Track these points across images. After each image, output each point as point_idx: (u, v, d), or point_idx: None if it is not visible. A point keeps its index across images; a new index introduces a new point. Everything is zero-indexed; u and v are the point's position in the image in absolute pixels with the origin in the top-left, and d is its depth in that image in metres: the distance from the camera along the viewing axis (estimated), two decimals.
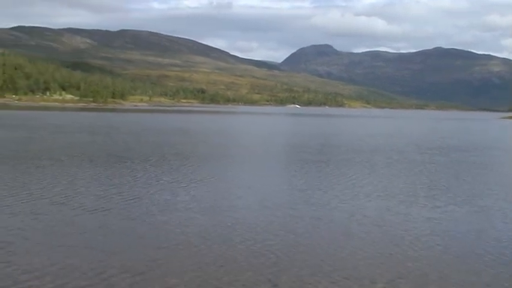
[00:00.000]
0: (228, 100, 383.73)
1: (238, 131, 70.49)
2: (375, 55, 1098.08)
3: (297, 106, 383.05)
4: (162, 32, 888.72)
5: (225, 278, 10.94)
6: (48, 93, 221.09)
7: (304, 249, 13.19)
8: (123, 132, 55.63)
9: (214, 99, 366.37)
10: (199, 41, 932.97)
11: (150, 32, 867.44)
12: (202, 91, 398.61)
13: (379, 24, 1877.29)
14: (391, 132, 74.16)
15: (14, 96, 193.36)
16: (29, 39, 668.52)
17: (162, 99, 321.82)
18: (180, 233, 14.18)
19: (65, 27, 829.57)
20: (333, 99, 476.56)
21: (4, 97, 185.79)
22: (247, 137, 56.22)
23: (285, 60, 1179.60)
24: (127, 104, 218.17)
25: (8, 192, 18.86)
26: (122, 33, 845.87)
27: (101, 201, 17.88)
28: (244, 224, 15.34)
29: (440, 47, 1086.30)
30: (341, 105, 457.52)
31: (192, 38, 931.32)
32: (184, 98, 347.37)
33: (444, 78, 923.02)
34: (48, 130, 55.53)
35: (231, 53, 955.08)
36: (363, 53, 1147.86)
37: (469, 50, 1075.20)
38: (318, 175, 26.41)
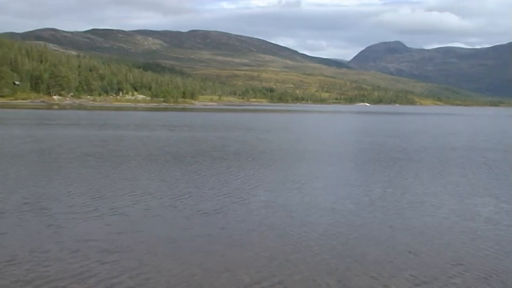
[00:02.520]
0: (296, 99, 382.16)
1: (316, 129, 69.27)
2: (447, 51, 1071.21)
3: (367, 104, 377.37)
4: (231, 32, 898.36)
5: (355, 279, 10.47)
6: (121, 94, 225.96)
7: (430, 249, 12.65)
8: (203, 130, 55.57)
9: (282, 98, 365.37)
10: (268, 40, 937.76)
11: (220, 32, 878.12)
12: (271, 90, 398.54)
13: (451, 20, 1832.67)
14: (473, 131, 70.78)
15: (88, 97, 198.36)
16: (103, 42, 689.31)
17: (232, 98, 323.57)
18: (301, 236, 13.47)
19: (137, 29, 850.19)
20: (404, 97, 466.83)
21: (80, 98, 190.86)
22: (329, 135, 54.83)
23: (354, 58, 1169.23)
24: (197, 104, 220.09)
25: (115, 193, 18.32)
26: (192, 34, 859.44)
27: (210, 202, 17.24)
28: (358, 224, 14.86)
29: None
30: (412, 103, 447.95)
31: (261, 37, 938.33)
32: (254, 97, 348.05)
33: None
34: (131, 128, 56.48)
35: (300, 52, 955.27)
36: (434, 49, 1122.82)
37: None
38: (416, 174, 25.17)
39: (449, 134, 60.54)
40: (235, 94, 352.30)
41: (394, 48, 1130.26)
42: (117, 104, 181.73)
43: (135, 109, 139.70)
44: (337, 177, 24.02)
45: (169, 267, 10.75)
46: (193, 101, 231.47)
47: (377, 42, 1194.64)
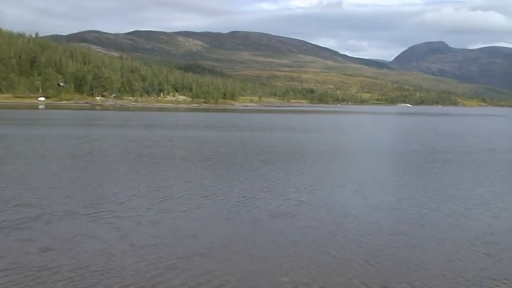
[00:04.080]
0: (336, 100, 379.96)
1: (363, 130, 68.76)
2: (492, 51, 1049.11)
3: (408, 105, 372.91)
4: (272, 33, 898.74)
5: (429, 277, 10.33)
6: (162, 95, 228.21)
7: (501, 249, 12.49)
8: (248, 131, 56.05)
9: (323, 99, 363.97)
10: (309, 41, 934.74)
11: (260, 33, 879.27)
12: (311, 91, 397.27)
13: (496, 19, 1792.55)
14: None
15: (130, 97, 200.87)
16: (145, 43, 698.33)
17: (272, 99, 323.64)
18: (369, 238, 13.33)
19: (178, 30, 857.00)
20: (447, 98, 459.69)
21: (122, 99, 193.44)
22: (377, 136, 54.04)
23: (396, 58, 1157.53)
24: (237, 105, 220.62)
25: (177, 195, 18.08)
26: (233, 35, 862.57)
27: (271, 205, 16.90)
28: (422, 225, 14.75)
29: None
30: (455, 103, 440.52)
31: (301, 38, 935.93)
32: (294, 98, 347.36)
33: None
34: (178, 129, 57.41)
35: (341, 53, 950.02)
36: (478, 49, 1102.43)
37: None
38: (473, 175, 24.64)
39: (498, 135, 59.32)
40: (275, 95, 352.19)
41: (437, 49, 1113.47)
42: (158, 104, 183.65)
43: (177, 110, 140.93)
44: (394, 178, 23.66)
45: (240, 273, 10.59)
46: (233, 102, 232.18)
47: (419, 43, 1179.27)
